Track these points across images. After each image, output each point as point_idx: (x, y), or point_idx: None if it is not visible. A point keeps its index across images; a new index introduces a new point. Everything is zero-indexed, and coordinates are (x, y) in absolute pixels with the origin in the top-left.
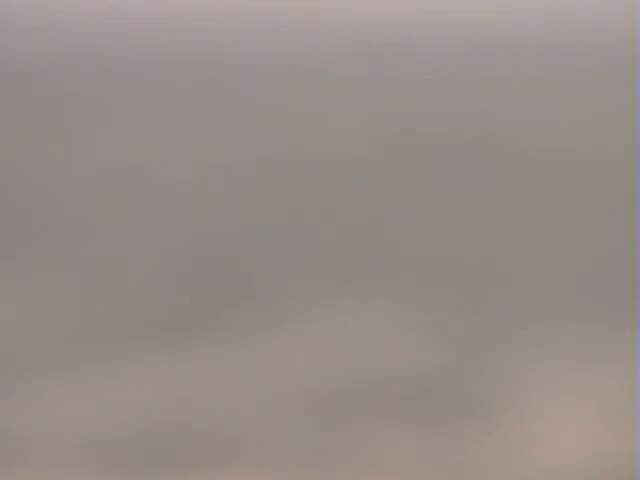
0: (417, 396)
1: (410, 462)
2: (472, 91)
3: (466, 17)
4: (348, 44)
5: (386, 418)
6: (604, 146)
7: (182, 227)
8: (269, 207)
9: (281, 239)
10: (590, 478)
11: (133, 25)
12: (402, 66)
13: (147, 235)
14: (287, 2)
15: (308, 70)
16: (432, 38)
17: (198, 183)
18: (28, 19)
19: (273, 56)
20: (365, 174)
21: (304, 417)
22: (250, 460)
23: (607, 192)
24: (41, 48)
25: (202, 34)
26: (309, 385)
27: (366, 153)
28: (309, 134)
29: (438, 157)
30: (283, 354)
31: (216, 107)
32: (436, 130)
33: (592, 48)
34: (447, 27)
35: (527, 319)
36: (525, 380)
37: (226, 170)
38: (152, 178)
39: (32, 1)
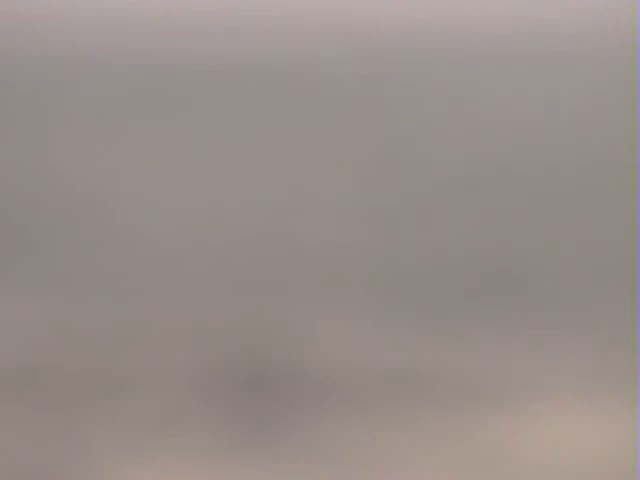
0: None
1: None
2: (473, 93)
3: (466, 22)
4: (351, 47)
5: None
6: (605, 148)
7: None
8: (267, 214)
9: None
10: (590, 477)
11: (136, 26)
12: (404, 69)
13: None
14: (291, 4)
15: (309, 73)
16: (433, 40)
17: (200, 192)
18: (26, 20)
19: (275, 58)
20: (365, 178)
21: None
22: None
23: (608, 197)
24: (42, 50)
25: (203, 35)
26: None
27: (367, 158)
28: (310, 137)
29: (438, 160)
30: None
31: (217, 110)
32: (437, 134)
33: (592, 50)
34: (447, 31)
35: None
36: (524, 382)
37: (228, 175)
38: (151, 185)
39: (31, 2)
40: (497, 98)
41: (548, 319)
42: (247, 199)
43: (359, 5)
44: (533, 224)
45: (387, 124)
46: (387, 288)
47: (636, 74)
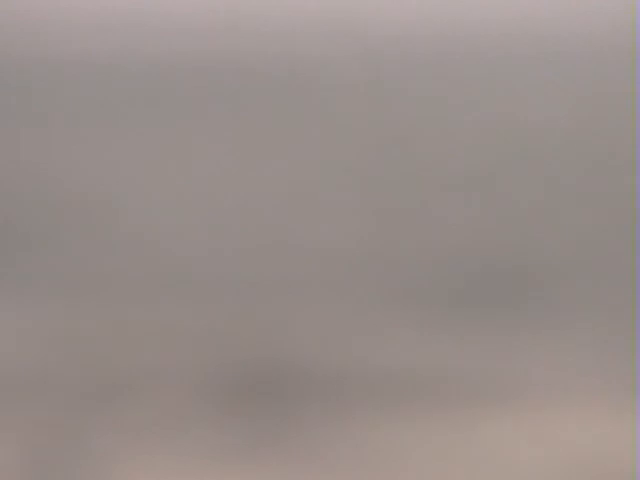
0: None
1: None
2: (474, 94)
3: (465, 23)
4: (351, 48)
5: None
6: (605, 149)
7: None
8: (266, 219)
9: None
10: (590, 476)
11: (140, 26)
12: (404, 70)
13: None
14: (292, 5)
15: (309, 74)
16: (433, 41)
17: (199, 194)
18: (26, 21)
19: (276, 59)
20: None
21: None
22: None
23: (608, 197)
24: (42, 51)
25: (203, 35)
26: None
27: (369, 160)
28: (311, 139)
29: (438, 161)
30: None
31: (217, 111)
32: (437, 134)
33: (592, 50)
34: (449, 33)
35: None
36: (527, 378)
37: (228, 176)
38: (149, 186)
39: (33, 2)
40: (497, 99)
41: (549, 319)
42: (247, 200)
43: (359, 5)
44: (533, 225)
45: (387, 125)
46: (388, 289)
47: (636, 74)
